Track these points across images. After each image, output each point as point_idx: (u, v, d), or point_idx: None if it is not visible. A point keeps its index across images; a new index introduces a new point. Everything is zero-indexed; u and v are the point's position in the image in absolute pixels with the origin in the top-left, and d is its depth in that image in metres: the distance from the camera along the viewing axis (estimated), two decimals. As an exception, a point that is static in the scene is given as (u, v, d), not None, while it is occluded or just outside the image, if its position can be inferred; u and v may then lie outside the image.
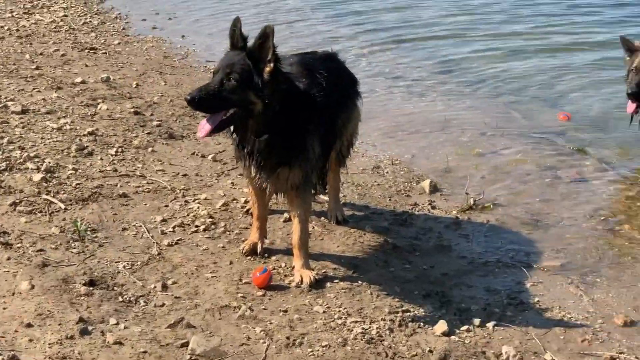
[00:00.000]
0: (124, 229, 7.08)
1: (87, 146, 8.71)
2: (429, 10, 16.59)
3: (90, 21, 15.25)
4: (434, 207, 8.03)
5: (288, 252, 6.80)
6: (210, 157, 8.75)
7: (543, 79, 12.46)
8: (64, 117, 9.60)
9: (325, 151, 6.70)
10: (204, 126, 5.97)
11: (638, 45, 9.47)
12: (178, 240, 6.95)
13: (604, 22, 15.69)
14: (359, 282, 6.51)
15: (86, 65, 12.05)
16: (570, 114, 10.86)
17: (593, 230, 7.77)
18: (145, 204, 7.57)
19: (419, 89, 11.89)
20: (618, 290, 6.71)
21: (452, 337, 5.86)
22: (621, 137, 10.12)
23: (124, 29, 15.03)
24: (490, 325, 6.05)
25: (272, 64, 5.94)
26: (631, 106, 9.41)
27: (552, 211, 8.13)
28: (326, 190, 7.46)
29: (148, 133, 9.30)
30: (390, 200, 8.11)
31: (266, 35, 5.91)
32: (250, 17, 15.16)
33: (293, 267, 6.54)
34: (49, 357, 5.24)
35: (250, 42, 6.01)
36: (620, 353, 5.81)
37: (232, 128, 6.16)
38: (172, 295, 6.12)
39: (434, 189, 8.41)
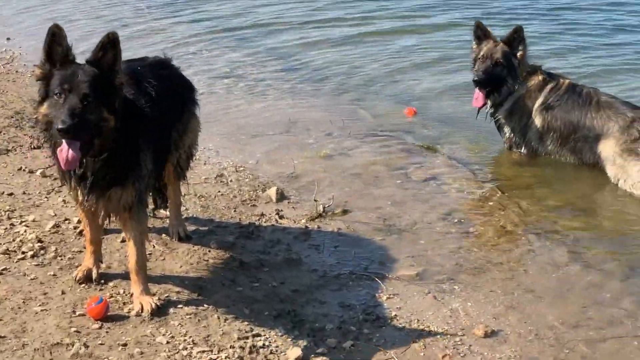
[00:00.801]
0: (-52, 254, 6.41)
1: None
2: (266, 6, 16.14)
3: None
4: (281, 217, 7.62)
5: (127, 276, 6.23)
6: (38, 172, 8.10)
7: (386, 74, 12.21)
8: None
9: (159, 166, 6.19)
10: (69, 155, 5.34)
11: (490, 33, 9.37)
12: (2, 270, 6.30)
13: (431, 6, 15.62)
14: (205, 305, 6.03)
15: None
16: (416, 109, 10.62)
17: (447, 234, 7.52)
18: (-31, 229, 6.89)
19: (260, 89, 11.46)
20: (476, 297, 6.47)
21: (308, 362, 5.47)
22: (470, 132, 9.95)
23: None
24: (347, 345, 5.71)
25: (122, 75, 5.41)
26: (478, 95, 9.27)
27: (405, 215, 7.84)
28: (167, 205, 6.95)
29: (-31, 147, 8.57)
30: (235, 211, 7.65)
31: (112, 42, 5.36)
32: (80, 16, 14.48)
33: (132, 294, 5.99)
34: None
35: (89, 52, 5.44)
36: (484, 368, 5.54)
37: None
38: (-4, 334, 5.51)
39: (281, 196, 8.00)
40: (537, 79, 9.37)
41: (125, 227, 5.96)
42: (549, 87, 9.32)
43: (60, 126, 5.19)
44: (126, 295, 6.08)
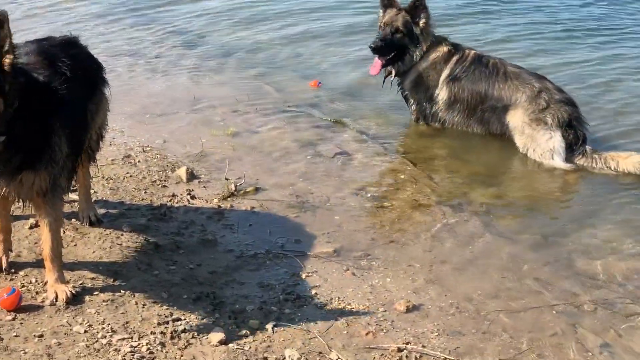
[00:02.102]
0: None
1: None
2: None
3: None
4: (193, 197, 7.49)
5: (38, 263, 6.05)
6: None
7: (289, 48, 12.10)
8: None
9: (75, 149, 5.98)
10: None
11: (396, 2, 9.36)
12: None
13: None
14: (122, 291, 5.88)
15: None
16: (320, 81, 10.55)
17: (361, 209, 7.51)
18: None
19: (162, 66, 11.22)
20: (395, 272, 6.48)
21: (230, 345, 5.40)
22: (376, 104, 9.94)
23: None
24: (269, 326, 5.63)
25: (11, 55, 5.16)
26: (376, 63, 9.28)
27: (318, 190, 7.79)
28: (74, 189, 6.75)
29: None
30: (145, 192, 7.48)
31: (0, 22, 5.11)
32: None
33: (46, 282, 5.80)
34: None
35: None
36: (407, 343, 5.54)
37: None
38: None
39: (191, 176, 7.85)
40: (443, 50, 9.41)
41: (39, 213, 5.73)
42: (454, 58, 9.38)
43: None
44: (39, 284, 5.89)
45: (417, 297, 6.11)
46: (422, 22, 9.30)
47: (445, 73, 9.33)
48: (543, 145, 8.69)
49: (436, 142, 9.14)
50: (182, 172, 7.84)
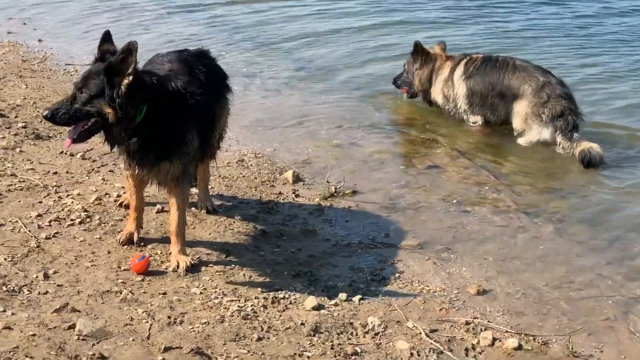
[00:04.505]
0: (1, 225, 7.25)
1: (-48, 148, 8.84)
2: (289, 20, 16.88)
3: (-59, 27, 15.13)
4: (297, 196, 8.47)
5: (162, 240, 7.14)
6: (78, 155, 8.96)
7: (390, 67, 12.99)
8: None
9: (203, 144, 7.05)
10: (68, 137, 6.44)
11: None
12: (55, 233, 7.17)
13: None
14: (232, 265, 6.91)
15: (-57, 70, 12.04)
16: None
17: (446, 212, 8.34)
18: (19, 201, 7.74)
19: (275, 87, 12.27)
20: (471, 264, 7.29)
21: (322, 310, 6.31)
22: (466, 125, 10.86)
23: (-23, 35, 14.96)
24: (356, 299, 6.53)
25: (130, 77, 6.23)
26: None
27: (408, 195, 8.67)
28: (195, 183, 7.80)
29: (14, 134, 9.42)
30: (256, 190, 8.49)
31: (129, 50, 6.20)
32: (105, 21, 15.35)
33: (169, 254, 6.86)
34: (-59, 344, 5.47)
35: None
36: (475, 318, 6.37)
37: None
38: (55, 283, 6.38)
39: (297, 179, 8.84)
40: (449, 63, 11.04)
41: (170, 195, 6.85)
42: (463, 61, 10.86)
43: (43, 114, 6.58)
44: (163, 255, 6.95)
45: (488, 283, 6.94)
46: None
47: (459, 73, 10.81)
48: (534, 136, 10.17)
49: (522, 159, 9.94)
50: (289, 174, 8.84)
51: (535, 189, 9.03)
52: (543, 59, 12.45)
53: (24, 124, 9.77)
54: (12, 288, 6.25)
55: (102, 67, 6.28)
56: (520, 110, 10.25)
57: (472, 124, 10.78)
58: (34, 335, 5.64)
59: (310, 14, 16.74)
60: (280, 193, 8.47)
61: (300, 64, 13.44)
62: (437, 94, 11.08)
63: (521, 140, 10.24)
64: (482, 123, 10.75)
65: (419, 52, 11.20)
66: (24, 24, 15.86)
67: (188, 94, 6.69)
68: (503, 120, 10.60)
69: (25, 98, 10.85)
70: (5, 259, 6.65)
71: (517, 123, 10.31)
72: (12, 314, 5.89)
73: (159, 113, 6.45)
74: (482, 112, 10.70)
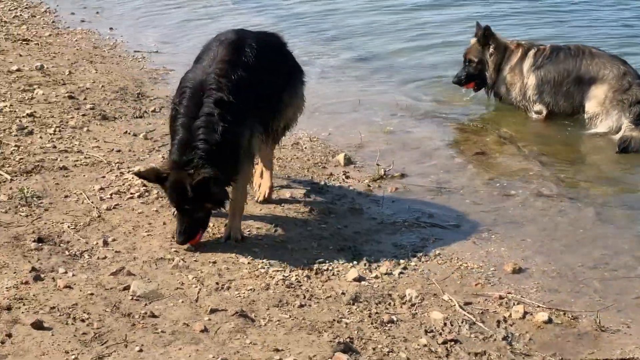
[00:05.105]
0: (66, 196, 7.77)
1: (27, 126, 9.36)
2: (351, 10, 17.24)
3: (21, 14, 15.79)
4: (347, 177, 8.83)
5: (216, 214, 7.53)
6: (141, 135, 9.45)
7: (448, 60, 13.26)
8: (3, 100, 10.25)
9: (265, 127, 7.42)
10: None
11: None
12: (115, 205, 7.66)
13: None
14: (280, 239, 7.30)
15: (20, 55, 12.62)
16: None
17: (490, 196, 8.63)
18: (84, 175, 8.25)
19: (333, 75, 12.68)
20: (510, 244, 7.56)
21: (362, 282, 6.67)
22: (517, 113, 11.20)
23: (53, 22, 15.58)
24: (396, 272, 6.88)
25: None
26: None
27: (454, 180, 8.98)
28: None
29: (83, 115, 9.97)
30: (308, 171, 8.87)
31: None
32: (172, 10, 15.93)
33: (225, 225, 7.28)
34: (7, 299, 5.95)
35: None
36: (508, 293, 6.67)
37: None
38: (113, 250, 6.86)
39: (348, 161, 9.20)
40: (518, 51, 11.02)
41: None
42: (531, 52, 10.89)
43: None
44: (215, 227, 7.37)
45: (525, 262, 7.21)
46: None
47: (528, 65, 10.85)
48: (612, 121, 10.25)
49: (565, 145, 10.26)
50: (340, 157, 9.20)
51: (580, 176, 9.27)
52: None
53: (91, 105, 10.31)
54: (73, 253, 6.74)
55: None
56: (599, 94, 10.38)
57: (535, 114, 10.94)
58: (91, 294, 6.11)
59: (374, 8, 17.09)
60: (331, 174, 8.83)
61: (358, 53, 13.84)
62: (502, 83, 11.14)
63: (596, 127, 10.37)
64: (546, 113, 10.89)
65: (490, 38, 11.10)
66: (97, 13, 16.49)
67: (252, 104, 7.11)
68: (575, 108, 10.73)
69: (94, 82, 11.40)
70: (68, 227, 7.14)
71: (592, 107, 10.44)
72: (73, 275, 6.37)
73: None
74: (554, 101, 10.80)
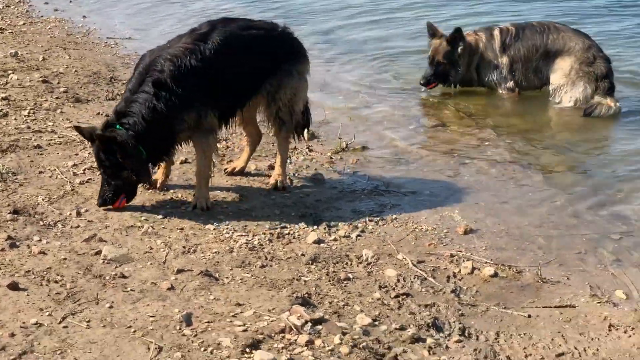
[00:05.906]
0: (40, 172, 8.16)
1: (1, 109, 9.73)
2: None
3: (-5, 5, 16.21)
4: (311, 150, 9.27)
5: (183, 187, 7.96)
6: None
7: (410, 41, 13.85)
8: (-22, 86, 10.66)
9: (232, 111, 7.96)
10: None
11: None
12: (88, 179, 8.04)
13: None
14: (245, 207, 7.73)
15: (-6, 43, 13.04)
16: None
17: (447, 165, 9.11)
18: (58, 153, 8.65)
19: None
20: (463, 208, 8.00)
21: (322, 244, 7.08)
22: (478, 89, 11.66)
23: (27, 11, 15.97)
24: (353, 235, 7.31)
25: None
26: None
27: (414, 151, 9.46)
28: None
29: (56, 98, 10.36)
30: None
31: None
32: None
33: (194, 195, 7.71)
34: (-16, 264, 6.38)
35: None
36: (459, 252, 7.11)
37: None
38: (85, 219, 7.26)
39: (312, 136, 9.60)
40: (482, 38, 11.38)
41: (195, 146, 7.74)
42: (496, 32, 11.29)
43: None
44: (183, 198, 7.79)
45: (476, 224, 7.65)
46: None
47: (498, 44, 11.21)
48: (575, 93, 10.73)
49: (521, 117, 10.78)
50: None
51: (534, 145, 9.75)
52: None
53: (65, 89, 10.70)
54: (47, 223, 7.14)
55: None
56: (565, 66, 10.83)
57: (507, 91, 11.32)
58: (64, 259, 6.51)
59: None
60: (295, 148, 9.22)
61: (325, 37, 14.28)
62: (488, 70, 11.41)
63: (561, 99, 10.86)
64: (517, 90, 11.29)
65: (461, 39, 11.33)
66: (70, 1, 16.86)
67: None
68: (544, 82, 11.18)
69: (67, 67, 11.79)
70: (43, 200, 7.54)
71: (557, 78, 10.92)
72: (47, 242, 6.78)
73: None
74: (524, 77, 11.23)
